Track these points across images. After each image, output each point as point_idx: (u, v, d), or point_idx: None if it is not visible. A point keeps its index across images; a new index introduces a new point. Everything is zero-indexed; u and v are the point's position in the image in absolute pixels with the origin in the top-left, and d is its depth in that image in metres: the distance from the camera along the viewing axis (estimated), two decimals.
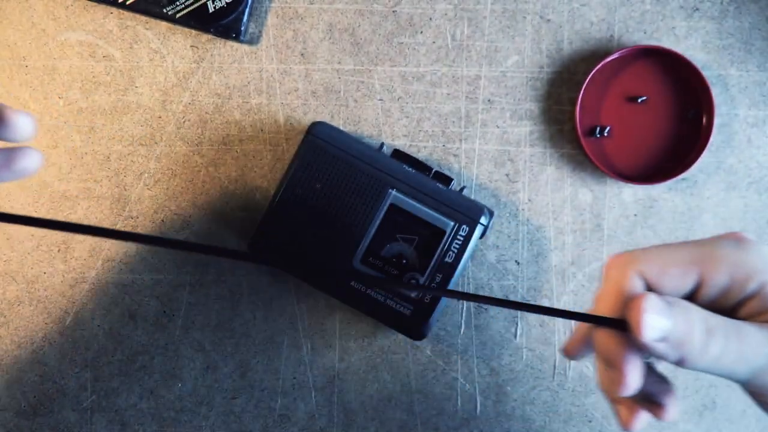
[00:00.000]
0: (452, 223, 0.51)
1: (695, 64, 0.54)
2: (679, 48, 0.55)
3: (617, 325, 0.30)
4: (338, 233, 0.51)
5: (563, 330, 0.56)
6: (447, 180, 0.53)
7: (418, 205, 0.51)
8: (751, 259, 0.30)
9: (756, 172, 0.56)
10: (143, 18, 0.56)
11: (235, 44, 0.56)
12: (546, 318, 0.56)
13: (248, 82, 0.56)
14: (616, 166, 0.56)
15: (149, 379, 0.57)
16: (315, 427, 0.57)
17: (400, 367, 0.57)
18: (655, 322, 0.28)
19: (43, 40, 0.56)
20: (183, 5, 0.55)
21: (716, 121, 0.54)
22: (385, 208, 0.51)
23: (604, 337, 0.31)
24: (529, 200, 0.56)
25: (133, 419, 0.57)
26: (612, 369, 0.31)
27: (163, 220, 0.56)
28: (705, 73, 0.54)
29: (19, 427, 0.57)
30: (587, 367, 0.56)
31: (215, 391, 0.57)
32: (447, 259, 0.51)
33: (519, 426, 0.57)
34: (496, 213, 0.56)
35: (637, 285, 0.30)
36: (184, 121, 0.56)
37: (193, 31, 0.56)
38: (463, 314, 0.56)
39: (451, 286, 0.51)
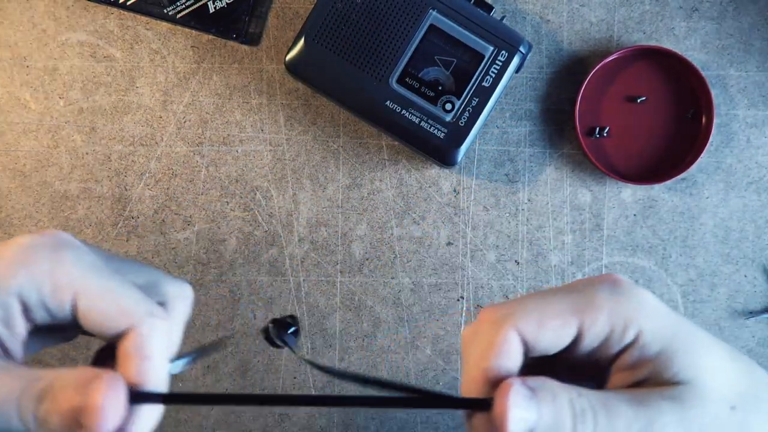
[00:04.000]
0: (492, 48, 0.51)
1: (694, 65, 0.54)
2: (678, 48, 0.55)
3: (482, 406, 0.27)
4: (376, 51, 0.51)
5: None
6: (488, 7, 0.52)
7: (458, 28, 0.51)
8: (629, 305, 0.28)
9: (755, 172, 0.56)
10: (144, 18, 0.56)
11: (236, 44, 0.56)
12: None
13: (248, 83, 0.56)
14: (615, 166, 0.56)
15: None
16: (315, 427, 0.57)
17: (400, 367, 0.57)
18: (521, 416, 0.25)
19: (44, 40, 0.56)
20: (183, 6, 0.55)
21: (715, 121, 0.54)
22: (425, 28, 0.51)
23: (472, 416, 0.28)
24: (529, 200, 0.56)
25: None
26: None
27: (163, 220, 0.57)
28: (704, 74, 0.54)
29: None
30: None
31: (215, 390, 0.57)
32: (484, 84, 0.51)
33: None
34: (496, 214, 0.56)
35: (514, 345, 0.27)
36: (184, 121, 0.57)
37: (194, 32, 0.56)
38: (463, 314, 0.57)
39: (485, 114, 0.51)
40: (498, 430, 0.26)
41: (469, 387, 0.28)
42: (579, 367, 0.30)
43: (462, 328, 0.56)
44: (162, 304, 0.32)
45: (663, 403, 0.27)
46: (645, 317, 0.27)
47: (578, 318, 0.27)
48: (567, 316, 0.27)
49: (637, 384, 0.28)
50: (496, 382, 0.27)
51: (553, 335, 0.27)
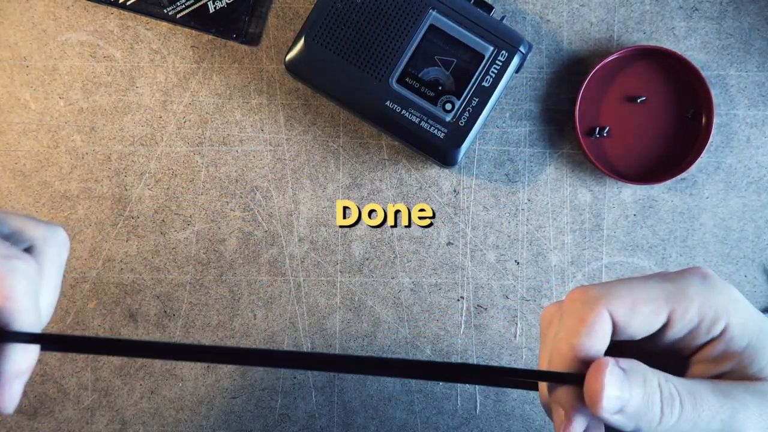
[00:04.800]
0: (492, 48, 0.51)
1: (694, 65, 0.54)
2: (678, 48, 0.55)
3: (570, 380, 0.28)
4: (376, 51, 0.51)
5: None
6: (488, 7, 0.53)
7: (458, 28, 0.51)
8: (719, 299, 0.28)
9: (755, 171, 0.56)
10: (144, 18, 0.56)
11: (236, 44, 0.56)
12: None
13: (248, 82, 0.56)
14: (615, 166, 0.56)
15: (150, 379, 0.57)
16: (315, 427, 0.57)
17: None
18: (615, 395, 0.26)
19: (44, 40, 0.56)
20: (183, 6, 0.55)
21: (715, 121, 0.55)
22: (425, 28, 0.51)
23: (558, 387, 0.29)
24: (529, 200, 0.56)
25: (133, 418, 0.57)
26: (557, 414, 0.29)
27: (163, 220, 0.57)
28: (704, 74, 0.54)
29: (21, 426, 0.57)
30: None
31: (215, 390, 0.57)
32: (484, 84, 0.51)
33: (519, 425, 0.57)
34: (496, 214, 0.56)
35: (605, 325, 0.28)
36: (184, 121, 0.57)
37: (194, 32, 0.56)
38: (463, 314, 0.57)
39: (485, 114, 0.52)
40: (590, 406, 0.27)
41: (554, 361, 0.28)
42: (656, 356, 0.30)
43: (462, 329, 0.56)
44: (30, 249, 0.32)
45: (748, 397, 0.27)
46: (734, 312, 0.28)
47: (670, 306, 0.28)
48: (659, 303, 0.28)
49: (718, 376, 0.29)
50: (584, 360, 0.28)
51: (643, 320, 0.28)
